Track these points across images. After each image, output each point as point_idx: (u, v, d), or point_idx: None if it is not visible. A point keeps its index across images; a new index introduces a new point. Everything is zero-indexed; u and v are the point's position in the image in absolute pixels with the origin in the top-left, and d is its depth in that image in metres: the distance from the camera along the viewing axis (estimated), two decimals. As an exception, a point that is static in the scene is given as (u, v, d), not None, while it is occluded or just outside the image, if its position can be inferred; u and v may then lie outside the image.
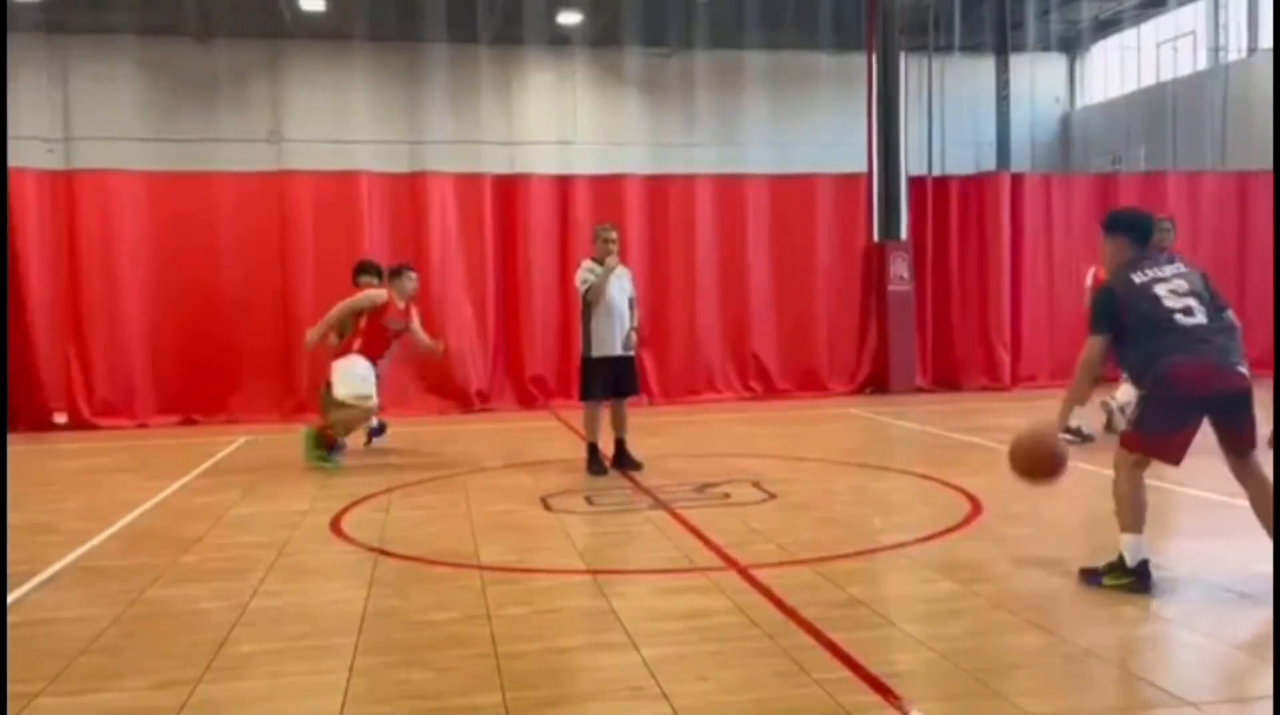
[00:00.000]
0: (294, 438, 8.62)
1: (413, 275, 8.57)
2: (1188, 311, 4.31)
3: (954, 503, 6.25)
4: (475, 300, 12.40)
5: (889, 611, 4.24)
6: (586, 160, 16.95)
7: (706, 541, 5.37)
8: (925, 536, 5.44)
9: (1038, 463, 4.57)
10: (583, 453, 7.69)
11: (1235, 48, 19.96)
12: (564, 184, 12.91)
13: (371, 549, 5.41)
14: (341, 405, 8.13)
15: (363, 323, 8.21)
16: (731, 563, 4.93)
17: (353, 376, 8.06)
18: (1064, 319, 13.67)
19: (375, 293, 8.36)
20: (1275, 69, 4.78)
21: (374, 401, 8.21)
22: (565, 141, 20.22)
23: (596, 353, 7.47)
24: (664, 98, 21.34)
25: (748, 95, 20.76)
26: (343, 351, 8.23)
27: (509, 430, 10.75)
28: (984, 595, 4.36)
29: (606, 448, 7.66)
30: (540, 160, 16.71)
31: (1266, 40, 19.45)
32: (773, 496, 6.62)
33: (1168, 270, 4.47)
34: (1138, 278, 4.45)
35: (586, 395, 7.60)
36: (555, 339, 12.40)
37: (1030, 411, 11.08)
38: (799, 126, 20.89)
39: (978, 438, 9.13)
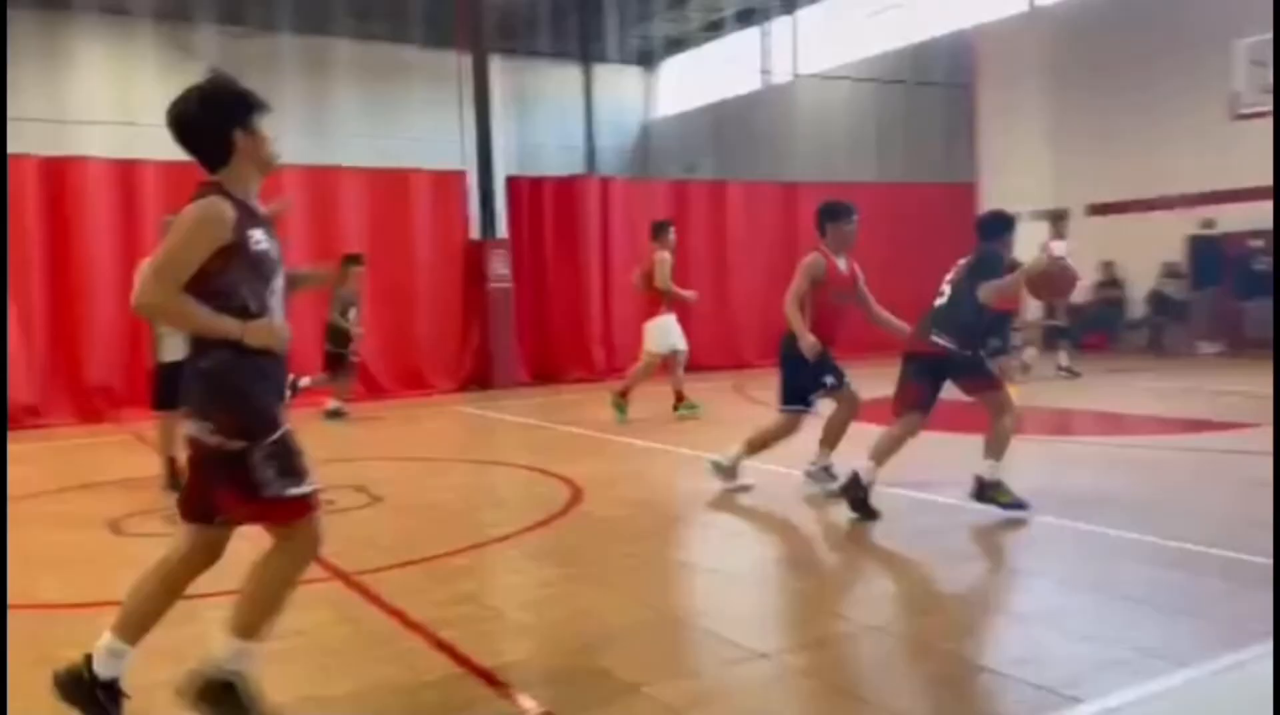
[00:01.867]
0: None
1: None
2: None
3: (557, 491, 6.49)
4: (19, 300, 10.76)
5: (498, 603, 4.31)
6: (154, 145, 15.31)
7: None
8: (531, 526, 5.60)
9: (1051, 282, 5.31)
10: (159, 468, 6.96)
11: (782, 71, 22.67)
12: (127, 169, 11.61)
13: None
14: None
15: None
16: (336, 572, 4.74)
17: None
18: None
19: None
20: (1275, 69, 5.54)
21: None
22: (127, 123, 18.20)
23: (169, 358, 6.75)
24: (243, 81, 19.91)
25: (339, 85, 20.05)
26: None
27: (67, 448, 9.50)
28: (587, 576, 4.58)
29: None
30: (96, 142, 14.87)
31: (806, 67, 22.32)
32: (379, 499, 6.47)
33: None
34: None
35: (162, 405, 6.86)
36: (124, 343, 11.09)
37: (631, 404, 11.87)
38: (393, 120, 20.56)
39: (577, 428, 9.57)
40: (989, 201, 17.31)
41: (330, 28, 19.43)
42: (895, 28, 20.53)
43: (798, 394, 6.09)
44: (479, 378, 13.50)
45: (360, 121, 20.00)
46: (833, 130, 18.37)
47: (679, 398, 9.89)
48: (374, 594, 4.36)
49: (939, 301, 5.50)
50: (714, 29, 23.77)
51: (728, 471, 6.25)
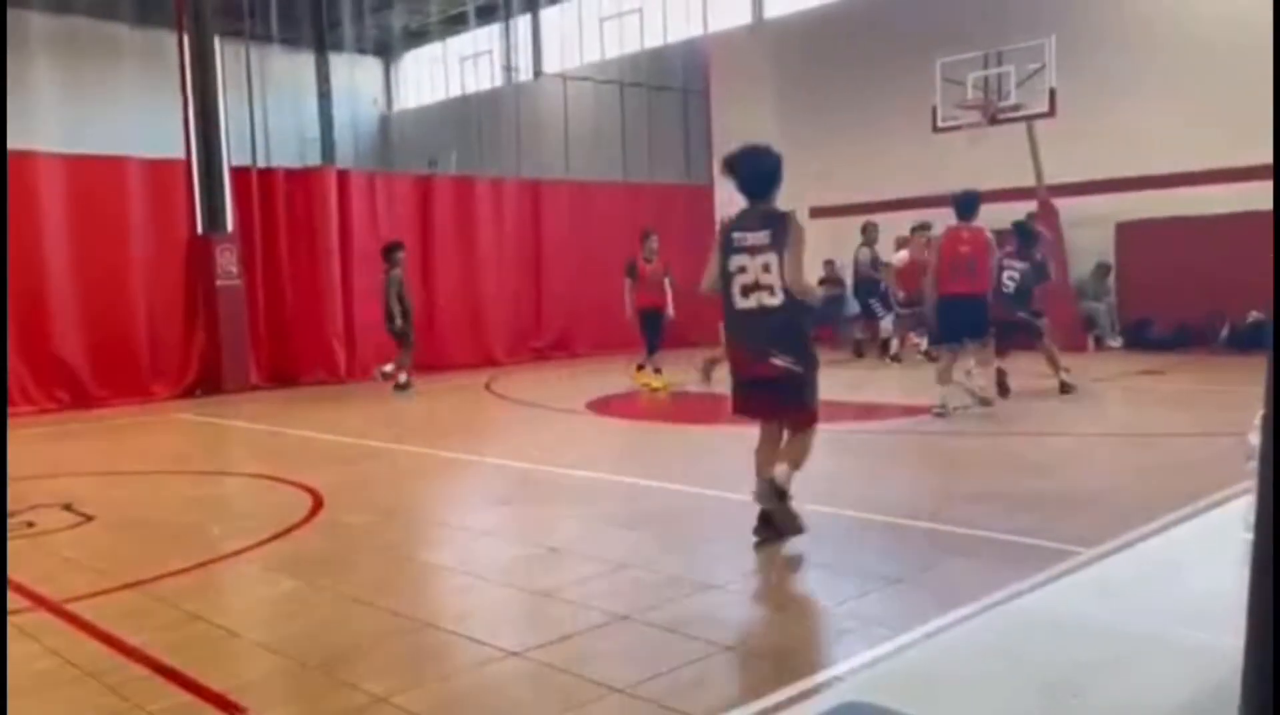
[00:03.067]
0: None
1: None
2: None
3: (295, 500, 6.17)
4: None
5: (231, 622, 4.03)
6: None
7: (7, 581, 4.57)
8: (267, 538, 5.28)
9: None
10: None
11: (524, 69, 22.71)
12: None
13: None
14: None
15: None
16: (40, 601, 4.26)
17: None
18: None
19: None
20: (1275, 66, 5.59)
21: None
22: None
23: None
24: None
25: (32, 62, 18.03)
26: None
27: None
28: (328, 587, 4.38)
29: None
30: None
31: (550, 65, 22.48)
32: (90, 518, 5.88)
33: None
34: None
35: None
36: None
37: (367, 402, 11.51)
38: (102, 103, 18.79)
39: (316, 432, 9.14)
40: (722, 203, 18.19)
41: (22, -1, 17.46)
42: (632, 32, 21.11)
43: None
44: (205, 382, 12.56)
45: (61, 104, 18.09)
46: (577, 129, 18.61)
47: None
48: (84, 622, 3.96)
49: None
50: (455, 23, 23.45)
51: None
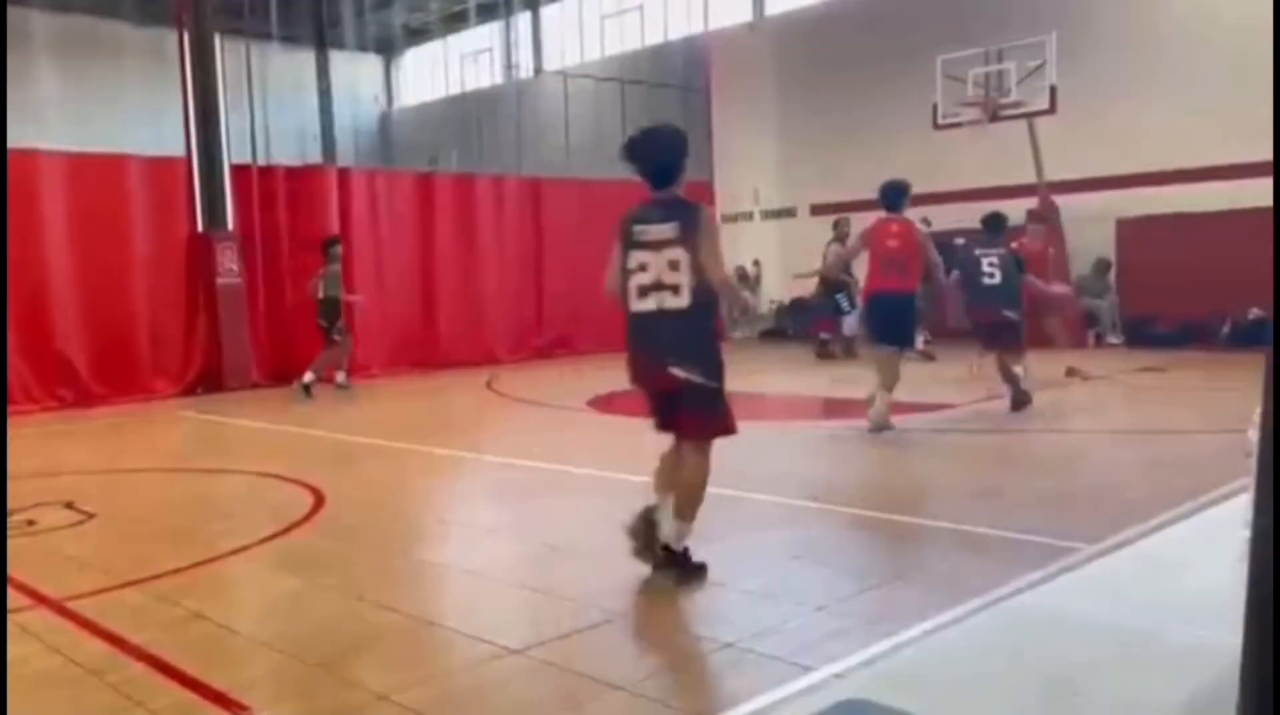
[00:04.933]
0: None
1: None
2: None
3: (297, 497, 6.17)
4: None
5: (232, 620, 4.04)
6: None
7: (8, 579, 4.58)
8: (268, 536, 5.29)
9: None
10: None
11: (525, 66, 22.70)
12: None
13: None
14: None
15: None
16: (42, 599, 4.27)
17: None
18: (397, 309, 14.36)
19: None
20: (1275, 64, 5.58)
21: None
22: None
23: None
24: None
25: (33, 60, 18.03)
26: None
27: None
28: (329, 585, 4.39)
29: None
30: None
31: (550, 63, 22.47)
32: (91, 516, 5.89)
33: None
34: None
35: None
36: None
37: (368, 400, 11.52)
38: (99, 101, 18.79)
39: (317, 430, 9.15)
40: (723, 201, 18.20)
41: (22, -3, 17.45)
42: (633, 30, 21.10)
43: None
44: (206, 380, 12.57)
45: (63, 102, 18.09)
46: (577, 127, 18.60)
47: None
48: (86, 620, 3.97)
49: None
50: (456, 20, 23.44)
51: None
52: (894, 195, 7.73)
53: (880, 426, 7.46)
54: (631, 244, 4.13)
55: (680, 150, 4.20)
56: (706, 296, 4.03)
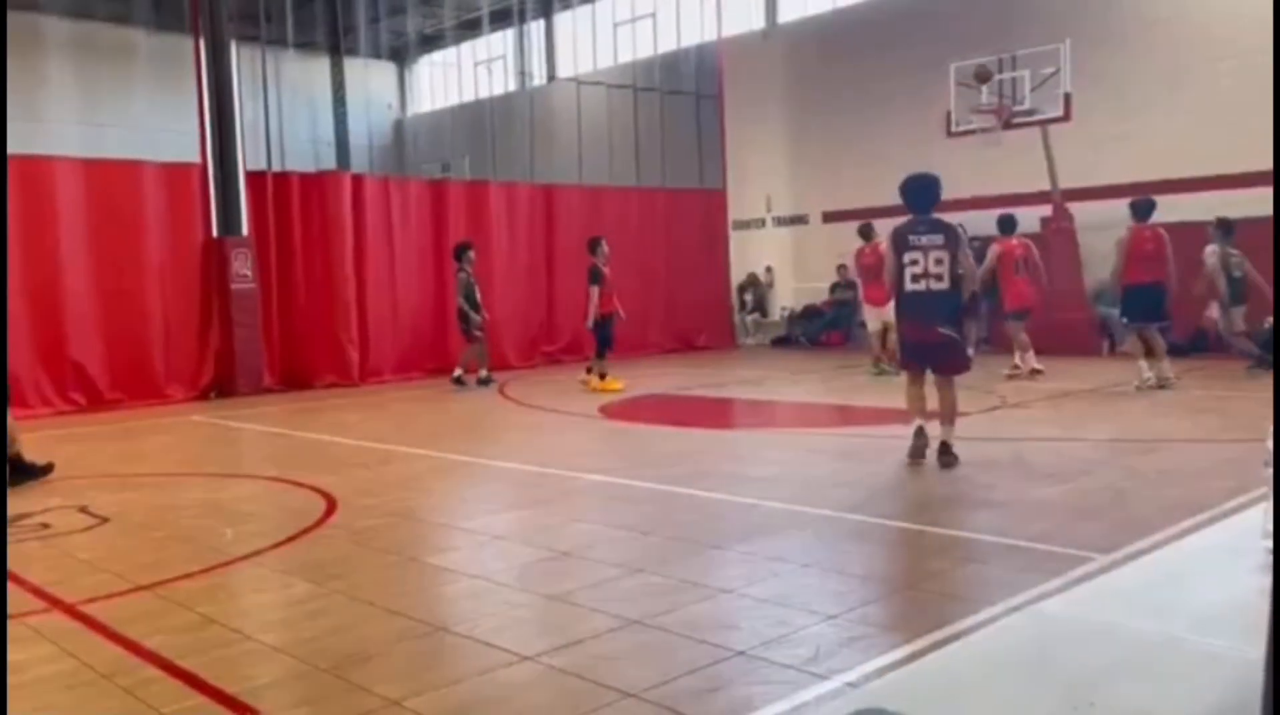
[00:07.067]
0: None
1: None
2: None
3: (309, 503, 6.18)
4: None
5: (244, 625, 4.04)
6: None
7: (21, 582, 4.60)
8: (280, 541, 5.30)
9: None
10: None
11: (538, 74, 22.75)
12: None
13: None
14: None
15: None
16: (55, 602, 4.29)
17: None
18: (407, 315, 14.40)
19: None
20: (1275, 64, 5.59)
21: None
22: None
23: None
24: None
25: (50, 66, 18.17)
26: None
27: None
28: (341, 591, 4.39)
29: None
30: None
31: (563, 70, 22.52)
32: (104, 520, 5.91)
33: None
34: None
35: None
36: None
37: (379, 406, 11.54)
38: (114, 108, 18.91)
39: (328, 435, 9.17)
40: (735, 208, 18.19)
41: (39, 2, 17.57)
42: (646, 37, 21.13)
43: None
44: (220, 385, 12.64)
45: (78, 109, 18.23)
46: (590, 134, 18.62)
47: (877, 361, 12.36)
48: (99, 624, 3.98)
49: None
50: (469, 28, 23.52)
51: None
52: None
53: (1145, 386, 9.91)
54: (906, 248, 6.43)
55: (938, 192, 6.64)
56: (959, 284, 6.26)
